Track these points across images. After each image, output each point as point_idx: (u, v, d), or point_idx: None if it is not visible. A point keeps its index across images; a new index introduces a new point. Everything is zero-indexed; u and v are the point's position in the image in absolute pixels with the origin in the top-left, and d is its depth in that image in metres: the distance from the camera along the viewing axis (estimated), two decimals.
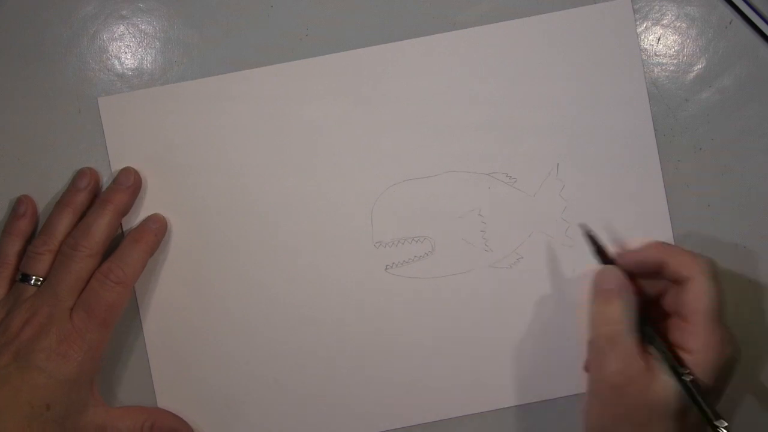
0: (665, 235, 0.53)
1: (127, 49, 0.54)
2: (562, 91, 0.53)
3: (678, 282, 0.47)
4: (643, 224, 0.53)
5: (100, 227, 0.50)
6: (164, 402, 0.53)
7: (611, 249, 0.51)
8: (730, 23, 0.53)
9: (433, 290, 0.53)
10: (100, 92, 0.53)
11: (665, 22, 0.53)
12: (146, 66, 0.53)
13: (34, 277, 0.50)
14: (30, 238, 0.52)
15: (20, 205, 0.52)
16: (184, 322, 0.53)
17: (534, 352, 0.53)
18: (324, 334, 0.53)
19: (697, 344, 0.46)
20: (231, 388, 0.53)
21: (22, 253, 0.51)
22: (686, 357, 0.46)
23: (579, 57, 0.53)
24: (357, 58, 0.53)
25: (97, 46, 0.53)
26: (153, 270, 0.53)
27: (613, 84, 0.53)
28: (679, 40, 0.53)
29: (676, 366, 0.45)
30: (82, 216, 0.52)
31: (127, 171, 0.52)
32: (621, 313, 0.47)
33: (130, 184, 0.52)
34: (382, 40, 0.53)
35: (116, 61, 0.53)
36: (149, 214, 0.53)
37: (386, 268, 0.53)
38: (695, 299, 0.46)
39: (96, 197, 0.52)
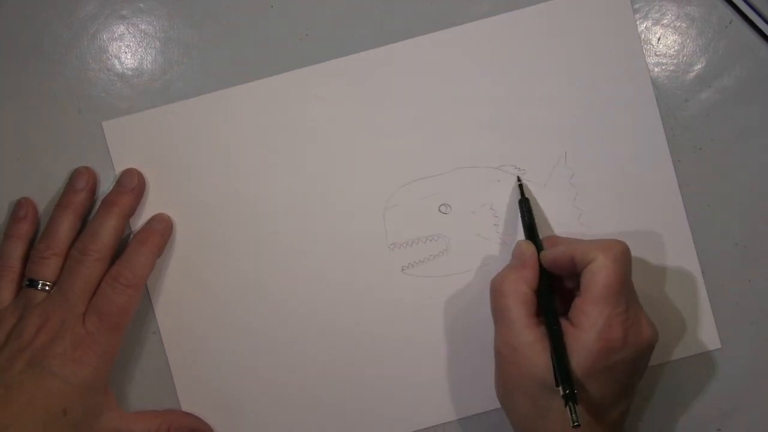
0: (677, 209, 0.53)
1: (127, 49, 0.53)
2: (564, 79, 0.52)
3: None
4: (654, 205, 0.53)
5: (107, 231, 0.50)
6: (187, 404, 0.53)
7: (538, 230, 0.51)
8: (730, 23, 0.53)
9: (452, 288, 0.53)
10: (100, 92, 0.53)
11: (665, 22, 0.53)
12: (146, 66, 0.53)
13: (40, 282, 0.50)
14: (32, 241, 0.52)
15: (20, 208, 0.52)
16: (201, 328, 0.53)
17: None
18: (343, 338, 0.53)
19: (584, 320, 0.45)
20: (244, 389, 0.53)
21: (25, 257, 0.51)
22: (570, 330, 0.46)
23: (579, 44, 0.52)
24: (360, 60, 0.53)
25: (97, 46, 0.53)
26: (167, 273, 0.53)
27: (614, 68, 0.52)
28: (679, 40, 0.53)
29: (552, 334, 0.45)
30: (83, 216, 0.52)
31: (130, 173, 0.52)
32: (513, 287, 0.48)
33: (134, 185, 0.52)
34: (382, 40, 0.53)
35: (116, 61, 0.53)
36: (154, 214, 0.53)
37: (402, 269, 0.53)
38: (589, 275, 0.46)
39: (94, 196, 0.52)
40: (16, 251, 0.51)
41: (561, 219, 0.53)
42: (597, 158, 0.53)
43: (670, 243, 0.53)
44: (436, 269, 0.53)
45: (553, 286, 0.49)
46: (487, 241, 0.52)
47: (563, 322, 0.47)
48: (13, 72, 0.53)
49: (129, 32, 0.54)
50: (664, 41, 0.53)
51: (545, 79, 0.53)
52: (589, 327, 0.45)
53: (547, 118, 0.53)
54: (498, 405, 0.51)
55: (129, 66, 0.53)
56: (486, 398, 0.52)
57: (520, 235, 0.52)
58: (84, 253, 0.49)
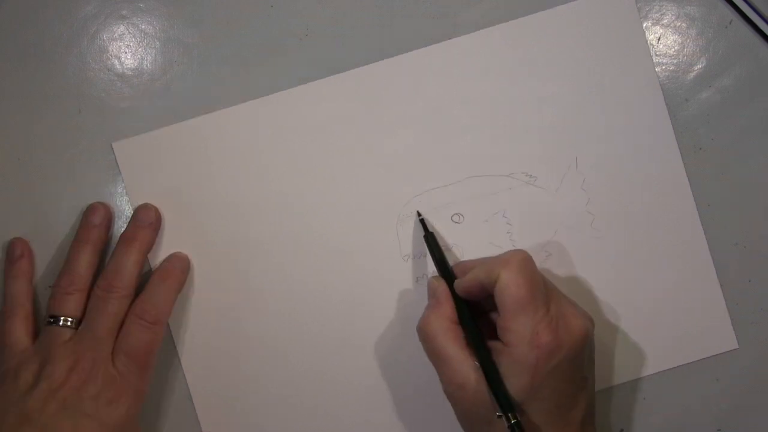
0: (690, 212, 0.53)
1: (127, 49, 0.53)
2: (574, 86, 0.53)
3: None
4: (666, 207, 0.53)
5: (129, 267, 0.50)
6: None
7: (450, 262, 0.51)
8: (730, 23, 0.53)
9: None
10: (100, 92, 0.53)
11: (665, 22, 0.53)
12: (146, 66, 0.53)
13: (62, 318, 0.49)
14: (32, 278, 0.52)
15: (15, 248, 0.52)
16: (222, 354, 0.53)
17: None
18: (360, 355, 0.52)
19: (510, 337, 0.45)
20: (265, 411, 0.52)
21: (32, 294, 0.51)
22: (503, 350, 0.46)
23: (587, 50, 0.52)
24: (368, 71, 0.52)
25: (97, 46, 0.53)
26: (184, 305, 0.53)
27: (623, 73, 0.52)
28: (679, 40, 0.53)
29: (481, 354, 0.46)
30: (101, 251, 0.52)
31: (146, 208, 0.52)
32: (437, 326, 0.48)
33: (152, 220, 0.51)
34: (382, 40, 0.53)
35: (116, 61, 0.53)
36: (174, 238, 0.53)
37: (417, 280, 0.53)
38: (499, 294, 0.46)
39: (110, 231, 0.52)
40: (22, 288, 0.51)
41: (573, 224, 0.52)
42: (608, 163, 0.53)
43: (682, 248, 0.53)
44: None
45: (475, 311, 0.49)
46: (500, 249, 0.52)
47: (495, 344, 0.47)
48: (13, 72, 0.53)
49: (129, 32, 0.54)
50: (664, 41, 0.53)
51: (555, 86, 0.53)
52: (518, 342, 0.45)
53: (557, 125, 0.53)
54: None
55: (129, 66, 0.53)
56: None
57: (533, 240, 0.52)
58: (109, 291, 0.49)
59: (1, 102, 0.53)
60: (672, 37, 0.53)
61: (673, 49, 0.53)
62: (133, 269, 0.50)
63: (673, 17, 0.53)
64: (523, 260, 0.46)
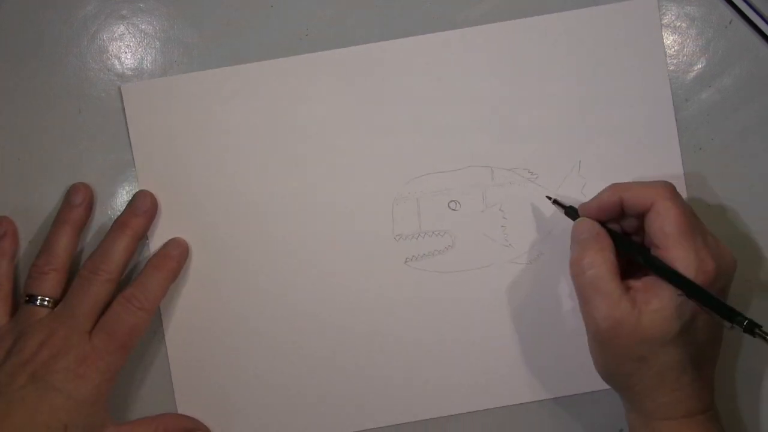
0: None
1: (127, 49, 0.53)
2: (584, 88, 0.53)
3: (642, 215, 0.47)
4: None
5: (118, 251, 0.50)
6: (184, 408, 0.53)
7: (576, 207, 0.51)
8: (730, 23, 0.53)
9: (453, 284, 0.53)
10: (100, 92, 0.53)
11: (665, 21, 0.53)
12: (146, 66, 0.53)
13: (39, 297, 0.49)
14: (15, 257, 0.52)
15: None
16: (205, 330, 0.53)
17: (551, 348, 0.53)
18: (345, 330, 0.53)
19: (678, 266, 0.45)
20: (243, 389, 0.53)
21: (12, 273, 0.51)
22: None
23: (601, 54, 0.53)
24: (380, 51, 0.53)
25: (97, 46, 0.53)
26: (176, 287, 0.53)
27: (635, 82, 0.53)
28: (679, 40, 0.53)
29: (676, 276, 0.45)
30: (81, 231, 0.52)
31: (143, 195, 0.52)
32: (597, 259, 0.47)
33: (147, 208, 0.51)
34: (383, 40, 0.53)
35: (116, 61, 0.53)
36: (178, 208, 0.53)
37: (406, 261, 0.53)
38: (659, 223, 0.46)
39: (92, 211, 0.52)
40: (2, 268, 0.51)
41: (568, 227, 0.52)
42: (611, 170, 0.52)
43: None
44: (439, 264, 0.53)
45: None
46: (492, 241, 0.52)
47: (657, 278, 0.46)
48: (13, 72, 0.53)
49: (129, 32, 0.54)
50: (664, 41, 0.53)
51: (567, 88, 0.53)
52: (687, 269, 0.45)
53: (564, 127, 0.53)
54: (485, 405, 0.52)
55: (129, 66, 0.53)
56: (479, 396, 0.53)
57: (526, 238, 0.53)
58: (94, 272, 0.49)
59: (1, 102, 0.53)
60: (672, 37, 0.53)
61: (673, 49, 0.53)
62: (122, 255, 0.50)
63: (673, 17, 0.53)
64: (674, 190, 0.47)
